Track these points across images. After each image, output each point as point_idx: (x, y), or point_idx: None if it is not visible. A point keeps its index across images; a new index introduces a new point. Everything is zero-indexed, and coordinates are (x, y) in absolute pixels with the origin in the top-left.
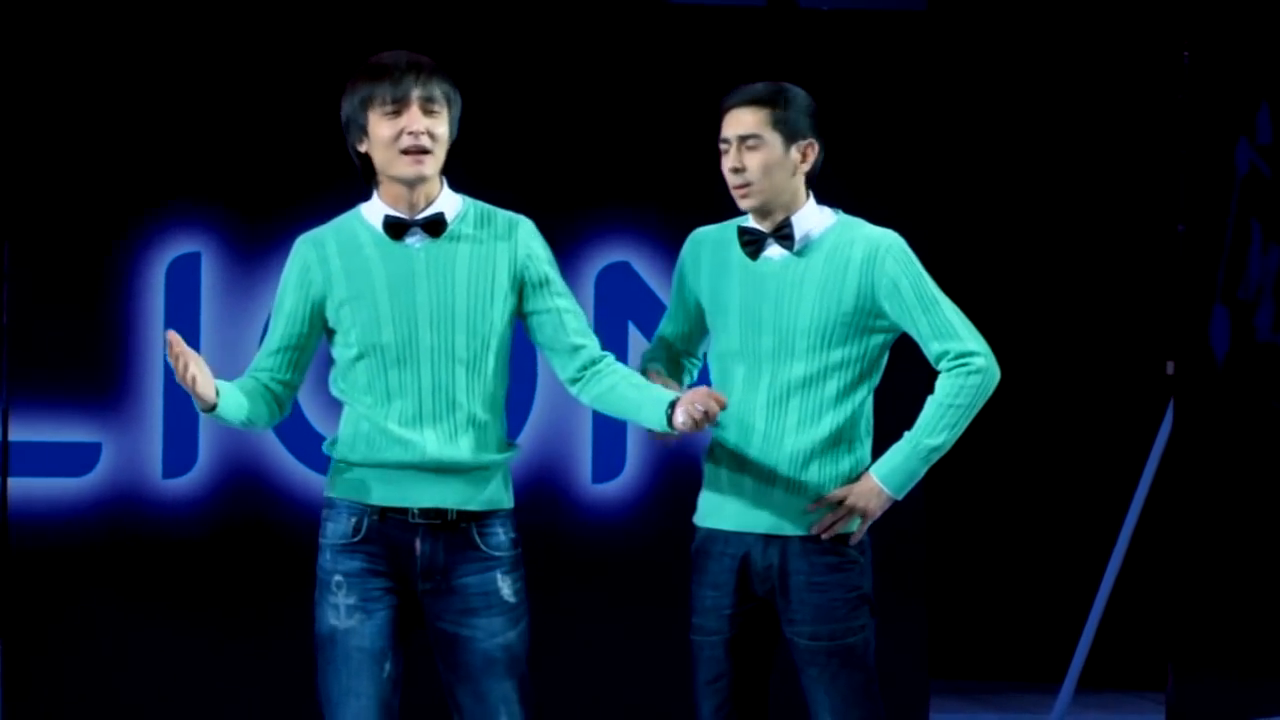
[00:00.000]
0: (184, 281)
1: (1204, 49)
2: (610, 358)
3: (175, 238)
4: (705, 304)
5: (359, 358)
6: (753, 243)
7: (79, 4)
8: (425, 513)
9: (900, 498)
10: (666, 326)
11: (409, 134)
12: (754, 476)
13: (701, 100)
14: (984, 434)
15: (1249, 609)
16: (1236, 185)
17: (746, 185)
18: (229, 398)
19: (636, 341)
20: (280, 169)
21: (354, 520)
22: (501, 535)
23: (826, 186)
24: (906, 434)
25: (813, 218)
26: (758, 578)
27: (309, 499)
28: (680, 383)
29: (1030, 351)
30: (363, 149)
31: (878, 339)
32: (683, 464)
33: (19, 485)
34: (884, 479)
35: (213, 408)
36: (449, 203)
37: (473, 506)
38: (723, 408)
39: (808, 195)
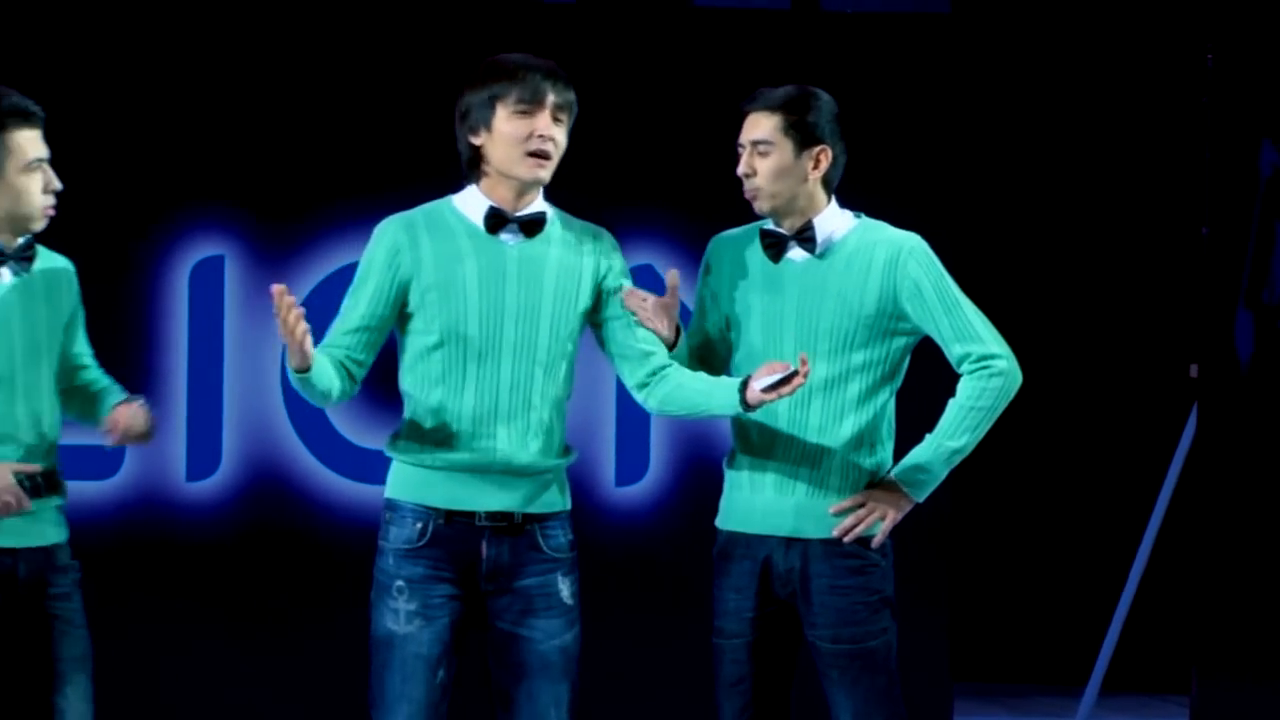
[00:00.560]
0: (208, 285)
1: (1227, 52)
2: (675, 364)
3: (199, 241)
4: (727, 306)
5: (438, 346)
6: (775, 245)
7: (102, 9)
8: (492, 516)
9: (921, 500)
10: (690, 338)
11: (538, 137)
12: (776, 479)
13: (725, 103)
14: (1007, 437)
15: (1273, 612)
16: (1261, 188)
17: (755, 190)
18: (320, 364)
19: None
20: (303, 173)
21: (419, 525)
22: (561, 537)
23: (848, 189)
24: (928, 436)
25: (834, 220)
26: (779, 581)
27: (331, 502)
28: None
29: (1053, 355)
30: (477, 142)
31: (900, 341)
32: (705, 467)
33: None
34: (905, 481)
35: (308, 369)
36: (542, 206)
37: (536, 509)
38: (803, 375)
39: (829, 199)
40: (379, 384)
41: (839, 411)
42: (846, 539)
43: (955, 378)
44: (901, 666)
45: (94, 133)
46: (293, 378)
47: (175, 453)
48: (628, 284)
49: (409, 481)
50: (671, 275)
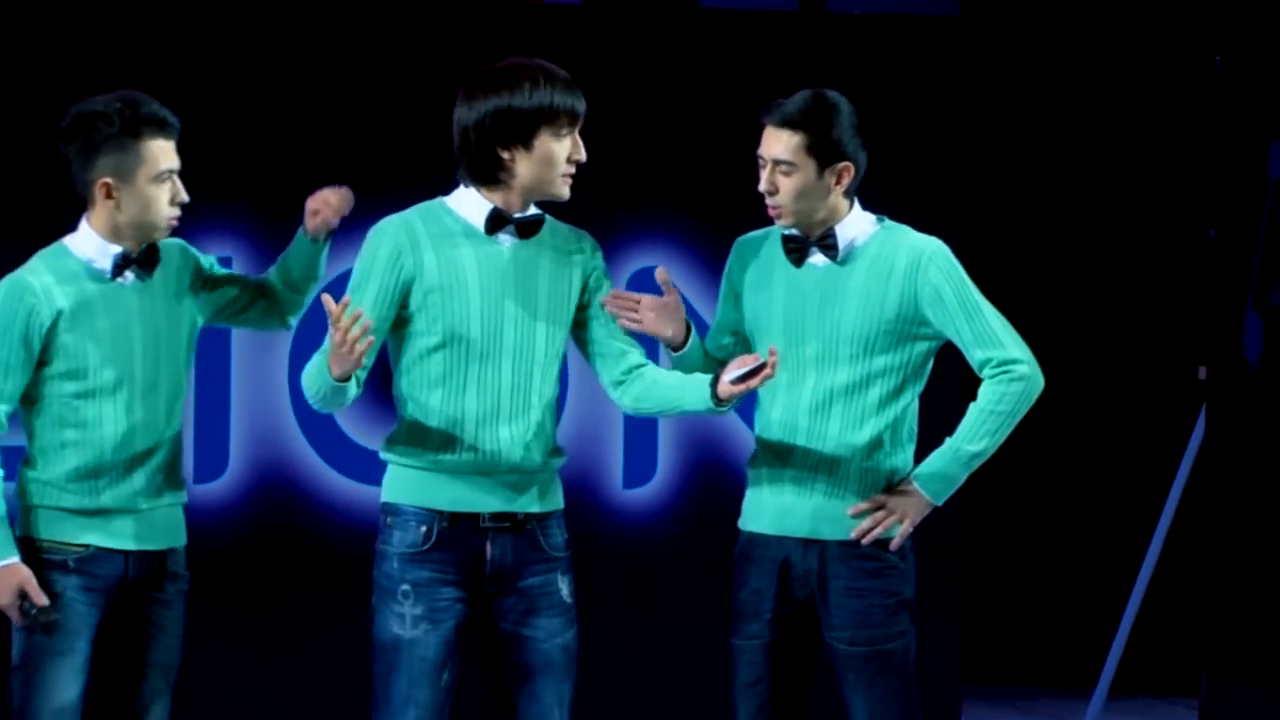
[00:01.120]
0: None
1: (1236, 53)
2: (650, 363)
3: (206, 240)
4: (749, 310)
5: (438, 348)
6: (797, 250)
7: (110, 10)
8: (495, 516)
9: (940, 504)
10: (711, 341)
11: (576, 161)
12: (795, 481)
13: (733, 104)
14: (1016, 440)
15: None
16: (1269, 190)
17: (778, 208)
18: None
19: None
20: (311, 171)
21: (423, 528)
22: (559, 536)
23: (859, 190)
24: (948, 440)
25: (856, 226)
26: (798, 582)
27: (339, 504)
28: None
29: (1062, 357)
30: (507, 155)
31: (921, 346)
32: (713, 469)
33: None
34: (924, 484)
35: (349, 378)
36: (536, 209)
37: (536, 508)
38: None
39: (850, 205)
40: (386, 386)
41: (860, 415)
42: (864, 541)
43: (976, 382)
44: None
45: None
46: (327, 385)
47: (183, 455)
48: (608, 285)
49: (410, 484)
50: (660, 272)
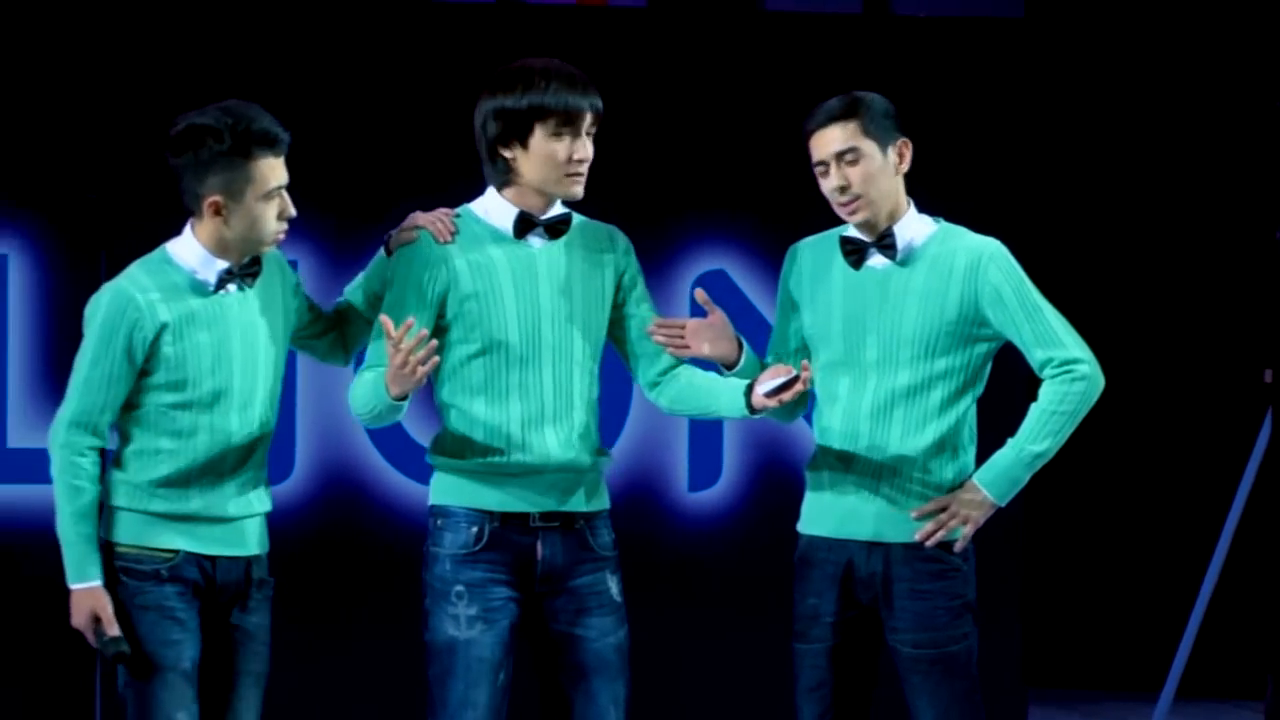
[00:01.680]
0: None
1: None
2: (686, 364)
3: None
4: (808, 314)
5: (478, 355)
6: (855, 252)
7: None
8: (545, 516)
9: (1004, 504)
10: (774, 348)
11: (578, 160)
12: (857, 484)
13: (797, 108)
14: (1081, 441)
15: None
16: None
17: (855, 200)
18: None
19: None
20: (373, 176)
21: (474, 529)
22: (606, 535)
23: (921, 193)
24: (1010, 440)
25: (914, 226)
26: (861, 585)
27: (405, 506)
28: (794, 415)
29: (1128, 359)
30: (509, 155)
31: (981, 347)
32: (779, 472)
33: None
34: (988, 486)
35: (406, 397)
36: (564, 208)
37: (585, 508)
38: (804, 382)
39: (908, 203)
40: None
41: (922, 418)
42: (928, 543)
43: (1036, 383)
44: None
45: (130, 136)
46: (384, 403)
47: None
48: (642, 283)
49: (458, 486)
50: (699, 293)
